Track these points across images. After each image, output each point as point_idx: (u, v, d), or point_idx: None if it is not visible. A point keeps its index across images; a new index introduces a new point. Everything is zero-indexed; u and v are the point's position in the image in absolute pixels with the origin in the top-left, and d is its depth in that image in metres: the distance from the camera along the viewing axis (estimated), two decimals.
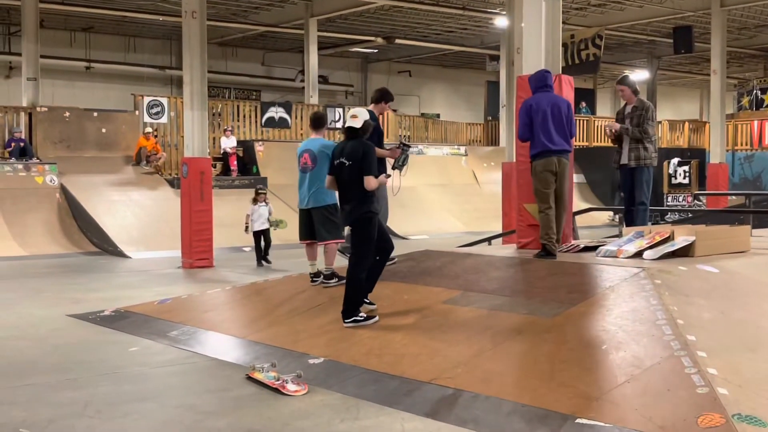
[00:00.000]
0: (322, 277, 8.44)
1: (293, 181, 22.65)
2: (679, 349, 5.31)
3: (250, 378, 6.13)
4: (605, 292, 6.65)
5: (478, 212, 22.31)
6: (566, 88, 8.92)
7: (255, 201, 14.45)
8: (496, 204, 20.76)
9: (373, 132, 8.54)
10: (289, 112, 23.28)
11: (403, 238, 19.38)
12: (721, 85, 22.33)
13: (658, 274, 6.80)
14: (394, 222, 19.71)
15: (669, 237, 7.97)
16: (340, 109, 24.47)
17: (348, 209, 7.12)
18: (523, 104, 8.20)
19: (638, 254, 7.81)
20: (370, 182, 6.96)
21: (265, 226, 14.43)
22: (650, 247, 7.86)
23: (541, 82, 8.28)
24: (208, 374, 6.45)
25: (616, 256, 7.90)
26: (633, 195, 8.94)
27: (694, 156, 27.54)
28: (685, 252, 7.79)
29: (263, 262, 14.40)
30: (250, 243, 17.85)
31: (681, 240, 7.86)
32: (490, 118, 30.74)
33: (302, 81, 28.86)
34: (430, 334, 6.53)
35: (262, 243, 14.57)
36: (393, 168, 8.49)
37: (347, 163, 7.07)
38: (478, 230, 20.53)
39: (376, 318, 7.04)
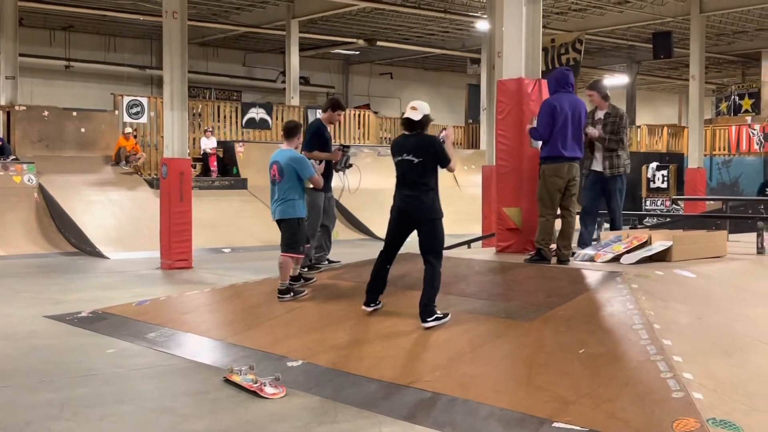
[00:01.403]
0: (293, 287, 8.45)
1: None
2: (655, 353, 5.35)
3: (227, 381, 6.12)
4: (583, 296, 6.69)
5: (459, 215, 22.29)
6: (545, 92, 8.95)
7: None
8: (476, 207, 20.80)
9: (316, 139, 8.71)
10: (269, 113, 23.25)
11: (383, 240, 19.42)
12: (700, 90, 22.50)
13: (635, 278, 6.85)
14: (374, 224, 19.77)
15: (646, 241, 8.03)
16: (321, 112, 24.43)
17: (421, 208, 6.71)
18: (546, 104, 8.02)
19: (616, 258, 7.86)
20: (453, 167, 6.78)
21: None
22: (628, 252, 7.92)
23: (561, 81, 8.09)
24: (186, 377, 6.43)
25: (594, 260, 7.95)
26: (595, 203, 8.75)
27: (673, 161, 27.75)
28: (662, 257, 7.85)
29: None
30: (230, 244, 17.89)
31: (658, 244, 7.92)
32: (471, 121, 30.82)
33: (283, 82, 28.79)
34: (409, 338, 6.54)
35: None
36: (336, 170, 8.87)
37: (415, 160, 6.68)
38: (459, 233, 20.49)
39: (449, 316, 6.70)
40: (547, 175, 8.00)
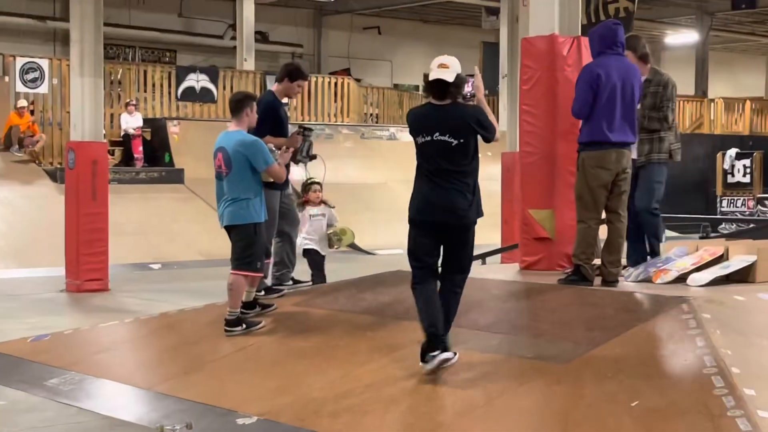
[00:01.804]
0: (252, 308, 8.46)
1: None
2: (734, 407, 5.37)
3: None
4: (636, 329, 6.71)
5: None
6: (586, 54, 8.95)
7: (304, 204, 11.61)
8: (493, 207, 20.78)
9: (268, 117, 8.66)
10: (214, 81, 23.30)
11: (369, 253, 19.48)
12: None
13: (707, 305, 6.88)
14: (356, 231, 19.78)
15: (722, 256, 8.07)
16: None
17: (458, 210, 6.53)
18: (587, 70, 8.03)
19: (681, 278, 7.90)
20: (498, 136, 6.66)
21: (315, 245, 11.56)
22: (697, 269, 7.96)
23: (608, 40, 8.04)
24: None
25: (652, 281, 7.98)
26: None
27: (758, 146, 27.92)
28: (743, 276, 7.89)
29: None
30: (161, 258, 17.88)
31: (737, 260, 7.96)
32: (487, 92, 30.87)
33: (233, 39, 28.84)
34: (401, 385, 6.54)
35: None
36: (296, 162, 8.87)
37: (453, 141, 6.47)
38: None
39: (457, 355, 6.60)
40: (587, 167, 8.01)
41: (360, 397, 6.51)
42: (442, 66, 6.61)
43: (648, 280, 8.03)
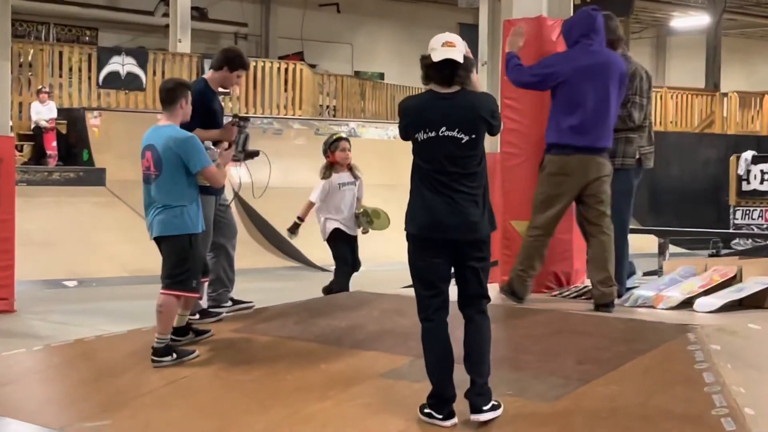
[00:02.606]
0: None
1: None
2: None
3: None
4: (634, 363, 6.77)
5: None
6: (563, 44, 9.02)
7: (329, 169, 10.61)
8: None
9: (198, 109, 8.56)
10: (143, 66, 23.22)
11: (322, 269, 19.44)
12: None
13: (717, 335, 6.96)
14: (309, 246, 19.73)
15: (734, 277, 8.15)
16: None
17: (471, 221, 6.33)
18: (556, 56, 8.38)
19: (687, 302, 7.97)
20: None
21: (344, 225, 10.59)
22: (705, 293, 8.03)
23: (584, 27, 8.25)
24: None
25: (654, 306, 8.05)
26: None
27: None
28: (758, 301, 7.98)
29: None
30: (78, 274, 17.75)
31: (753, 282, 8.04)
32: None
33: (165, 15, 28.75)
34: (360, 427, 6.55)
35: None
36: (234, 159, 8.79)
37: (464, 138, 6.28)
38: None
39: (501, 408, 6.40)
40: (546, 172, 8.22)
41: None
42: (448, 44, 6.34)
43: (650, 305, 8.08)
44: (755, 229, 25.50)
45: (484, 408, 6.26)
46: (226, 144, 8.55)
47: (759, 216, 26.05)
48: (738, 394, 6.08)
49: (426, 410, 6.39)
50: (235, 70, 8.87)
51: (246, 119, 8.88)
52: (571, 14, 9.23)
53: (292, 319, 8.77)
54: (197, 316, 8.75)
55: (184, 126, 8.29)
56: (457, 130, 6.27)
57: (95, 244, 18.61)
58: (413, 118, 6.42)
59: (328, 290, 9.98)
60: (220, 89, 8.99)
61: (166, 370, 7.99)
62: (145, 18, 30.47)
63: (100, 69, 22.81)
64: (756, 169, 26.25)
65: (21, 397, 8.14)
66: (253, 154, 8.99)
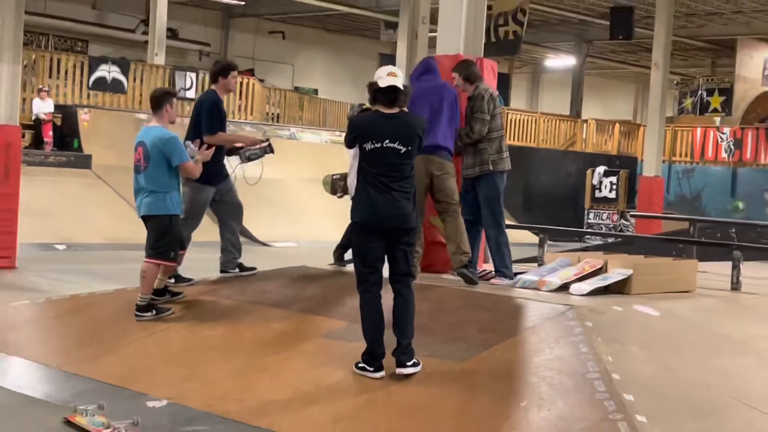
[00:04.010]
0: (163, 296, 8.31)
1: (127, 162, 22.13)
2: (615, 411, 5.47)
3: (69, 423, 5.94)
4: (525, 333, 6.79)
5: (337, 218, 22.46)
6: (488, 76, 9.03)
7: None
8: None
9: (216, 116, 8.59)
10: (125, 73, 22.81)
11: (265, 244, 19.31)
12: (663, 80, 23.19)
13: (589, 314, 6.99)
14: (254, 224, 19.62)
15: (601, 268, 8.20)
16: (193, 74, 24.13)
17: (406, 215, 6.43)
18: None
19: (564, 287, 8.01)
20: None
21: None
22: (578, 279, 8.07)
23: (423, 70, 8.62)
24: (11, 417, 6.20)
25: (538, 288, 8.07)
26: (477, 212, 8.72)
27: (624, 165, 28.54)
28: (619, 288, 8.02)
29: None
30: (67, 239, 17.41)
31: (616, 273, 8.10)
32: None
33: (144, 33, 28.36)
34: (305, 377, 6.50)
35: None
36: (246, 158, 8.94)
37: (402, 149, 6.39)
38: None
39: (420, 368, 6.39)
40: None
41: (265, 386, 6.47)
42: (391, 74, 6.48)
43: (534, 287, 8.11)
44: (603, 228, 25.87)
45: (408, 364, 6.29)
46: (206, 147, 8.41)
47: (607, 217, 26.40)
48: (607, 362, 6.12)
49: (360, 365, 6.39)
50: (228, 74, 8.79)
51: (271, 151, 9.09)
52: (482, 53, 9.23)
53: (250, 286, 8.66)
54: (173, 280, 8.63)
55: (208, 129, 8.57)
56: (398, 142, 6.40)
57: (81, 216, 18.24)
58: (364, 131, 6.50)
59: (343, 247, 9.44)
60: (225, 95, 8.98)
61: (146, 324, 7.87)
62: (127, 34, 30.01)
63: (90, 74, 22.40)
64: (606, 181, 26.58)
65: (25, 340, 8.00)
66: (249, 160, 9.02)
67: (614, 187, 26.48)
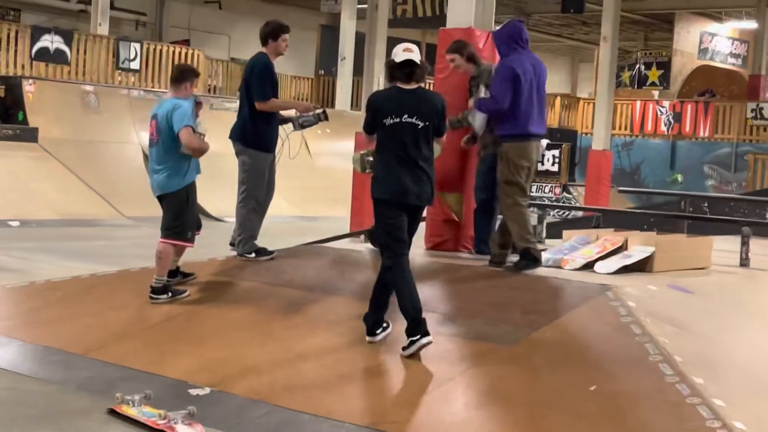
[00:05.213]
0: (178, 276, 7.99)
1: (74, 135, 21.59)
2: (690, 395, 5.39)
3: (114, 413, 5.67)
4: (571, 314, 6.67)
5: (310, 191, 22.09)
6: (493, 52, 8.77)
7: None
8: (334, 182, 20.66)
9: (268, 81, 8.22)
10: (68, 44, 22.08)
11: (218, 219, 18.93)
12: (612, 54, 23.23)
13: (629, 294, 6.90)
14: (206, 198, 19.19)
15: (621, 246, 8.13)
16: (137, 45, 23.52)
17: (429, 192, 6.44)
18: (505, 67, 7.87)
19: (588, 265, 7.91)
20: (443, 141, 6.63)
21: None
22: (601, 258, 7.99)
23: (516, 37, 7.96)
24: (45, 408, 5.86)
25: (561, 267, 7.96)
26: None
27: (565, 138, 28.67)
28: (640, 266, 7.95)
29: None
30: (18, 215, 16.85)
31: (637, 251, 8.03)
32: (323, 72, 30.61)
33: (79, 2, 27.59)
34: (354, 361, 6.30)
35: None
36: (300, 125, 8.55)
37: (420, 124, 6.33)
38: (311, 214, 20.37)
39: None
40: (512, 157, 7.93)
41: (312, 372, 6.22)
42: (407, 50, 6.46)
43: (557, 265, 8.00)
44: (546, 201, 25.98)
45: (377, 332, 6.47)
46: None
47: (550, 190, 26.51)
48: (665, 344, 6.03)
49: (412, 341, 6.17)
50: (279, 36, 8.42)
51: (325, 116, 8.58)
52: (492, 28, 9.04)
53: (263, 266, 8.35)
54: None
55: (260, 96, 8.17)
56: (416, 117, 6.36)
57: (32, 192, 17.65)
58: (383, 106, 6.45)
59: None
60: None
61: (163, 307, 7.58)
62: (62, 3, 29.05)
63: (32, 44, 21.64)
64: (549, 154, 26.64)
65: (36, 325, 7.60)
66: (302, 127, 8.64)
67: (557, 160, 26.58)
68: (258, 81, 8.21)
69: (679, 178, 28.43)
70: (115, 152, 20.93)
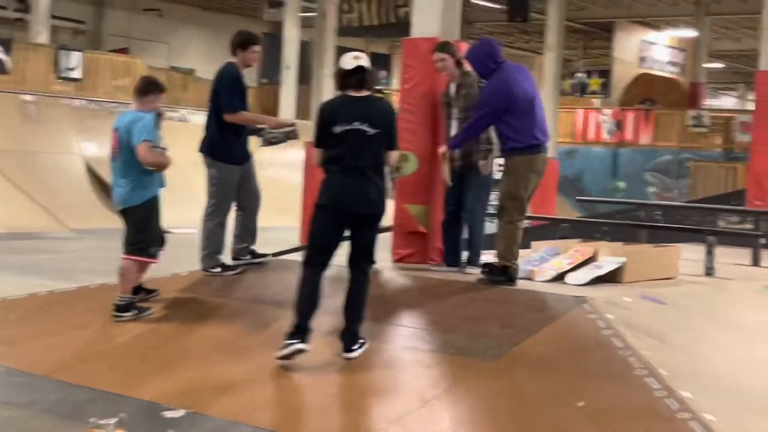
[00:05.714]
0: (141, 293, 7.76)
1: (14, 146, 21.15)
2: (680, 410, 5.31)
3: None
4: (550, 327, 6.57)
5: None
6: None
7: None
8: (281, 192, 20.42)
9: (238, 92, 8.02)
10: (8, 52, 21.67)
11: (165, 231, 18.66)
12: (557, 63, 23.43)
13: (605, 306, 6.83)
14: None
15: (592, 257, 8.06)
16: (78, 54, 23.13)
17: (370, 200, 6.29)
18: (501, 84, 7.59)
19: (559, 277, 7.83)
20: (393, 157, 6.51)
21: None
22: (573, 269, 7.91)
23: (495, 55, 7.70)
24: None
25: (531, 278, 7.86)
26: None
27: None
28: (611, 276, 7.88)
29: None
30: None
31: (608, 261, 7.96)
32: (266, 81, 30.40)
33: (16, 11, 27.10)
34: (333, 379, 6.14)
35: None
36: (267, 141, 8.31)
37: (370, 131, 6.25)
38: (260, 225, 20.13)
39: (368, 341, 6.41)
40: (521, 171, 7.61)
41: (293, 390, 6.07)
42: (356, 57, 6.45)
43: (527, 277, 7.89)
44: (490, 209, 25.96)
45: (353, 348, 6.32)
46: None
47: (495, 199, 26.57)
48: (648, 357, 5.96)
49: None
50: (248, 47, 8.14)
51: (295, 134, 8.35)
52: (458, 37, 8.91)
53: (228, 282, 8.12)
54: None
55: (229, 107, 7.96)
56: (366, 124, 6.29)
57: None
58: (332, 114, 6.38)
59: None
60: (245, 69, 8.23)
61: (126, 325, 7.33)
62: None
63: None
64: (496, 163, 26.69)
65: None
66: (272, 144, 8.40)
67: (502, 168, 26.61)
68: (227, 93, 8.01)
69: (621, 185, 28.66)
70: (56, 163, 20.58)
